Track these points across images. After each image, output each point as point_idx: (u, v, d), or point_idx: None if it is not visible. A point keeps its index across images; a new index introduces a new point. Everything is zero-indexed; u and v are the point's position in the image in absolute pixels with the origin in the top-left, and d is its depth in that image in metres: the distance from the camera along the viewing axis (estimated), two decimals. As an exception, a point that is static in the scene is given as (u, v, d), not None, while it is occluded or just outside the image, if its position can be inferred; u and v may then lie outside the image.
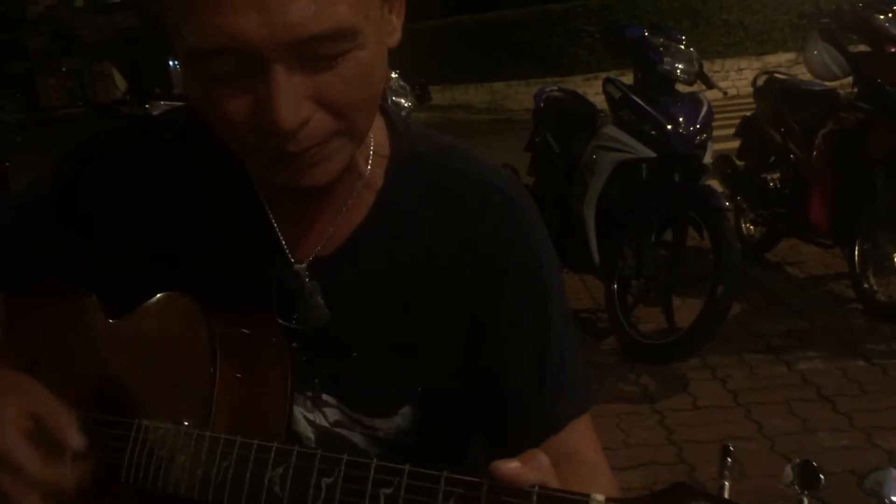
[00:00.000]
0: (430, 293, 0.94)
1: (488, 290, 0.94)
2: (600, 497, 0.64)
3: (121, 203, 0.99)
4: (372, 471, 0.73)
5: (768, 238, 4.90)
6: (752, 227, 5.00)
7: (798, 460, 0.60)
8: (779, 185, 4.67)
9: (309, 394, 0.96)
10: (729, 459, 0.64)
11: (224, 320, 0.92)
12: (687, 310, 3.75)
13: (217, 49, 0.73)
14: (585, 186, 3.87)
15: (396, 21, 0.86)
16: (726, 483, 0.63)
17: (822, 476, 0.59)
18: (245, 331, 0.93)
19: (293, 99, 0.75)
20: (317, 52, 0.74)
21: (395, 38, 0.86)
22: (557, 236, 3.96)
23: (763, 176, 4.76)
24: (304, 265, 0.94)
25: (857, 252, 3.87)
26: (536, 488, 0.66)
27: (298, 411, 0.96)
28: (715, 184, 3.67)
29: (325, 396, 0.96)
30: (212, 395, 0.87)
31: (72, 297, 1.06)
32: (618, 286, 3.82)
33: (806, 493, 0.59)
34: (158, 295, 0.96)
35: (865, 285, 3.85)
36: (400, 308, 0.94)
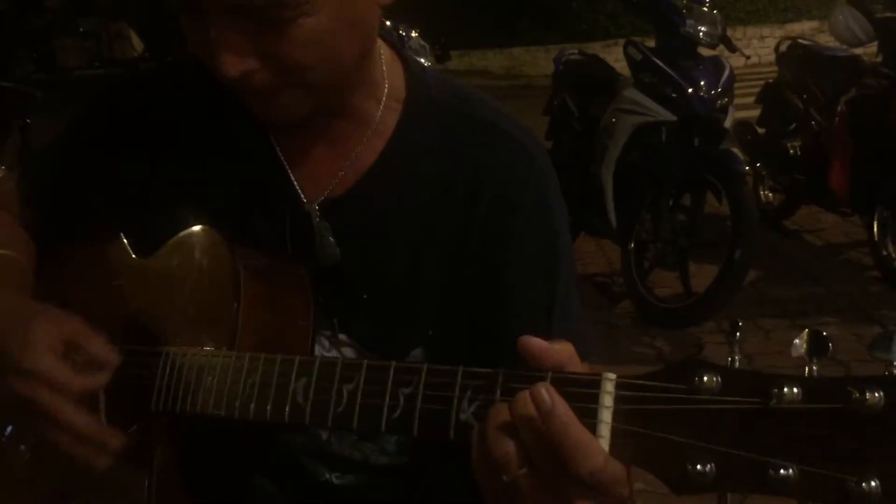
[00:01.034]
0: (439, 237, 0.96)
1: (498, 234, 0.95)
2: (612, 375, 0.65)
3: (143, 145, 1.02)
4: (391, 372, 0.74)
5: (787, 205, 4.87)
6: (771, 194, 4.97)
7: (807, 329, 0.61)
8: (799, 152, 4.64)
9: (327, 333, 0.98)
10: (737, 334, 0.64)
11: (247, 254, 0.94)
12: (703, 275, 3.76)
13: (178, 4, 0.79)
14: (604, 150, 3.86)
15: None
16: (736, 357, 0.63)
17: (830, 344, 0.60)
18: (269, 266, 0.95)
19: (231, 52, 0.80)
20: (258, 14, 0.78)
21: None
22: (575, 200, 3.95)
23: (783, 143, 4.72)
24: (315, 205, 0.96)
25: (876, 220, 3.85)
26: (549, 372, 0.67)
27: (318, 349, 0.98)
28: (735, 149, 3.65)
29: (341, 336, 0.99)
30: (236, 323, 0.89)
31: (99, 238, 1.08)
32: (634, 250, 3.82)
33: (815, 360, 0.60)
34: (184, 231, 0.98)
35: (884, 253, 3.84)
36: (409, 251, 0.96)
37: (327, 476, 1.03)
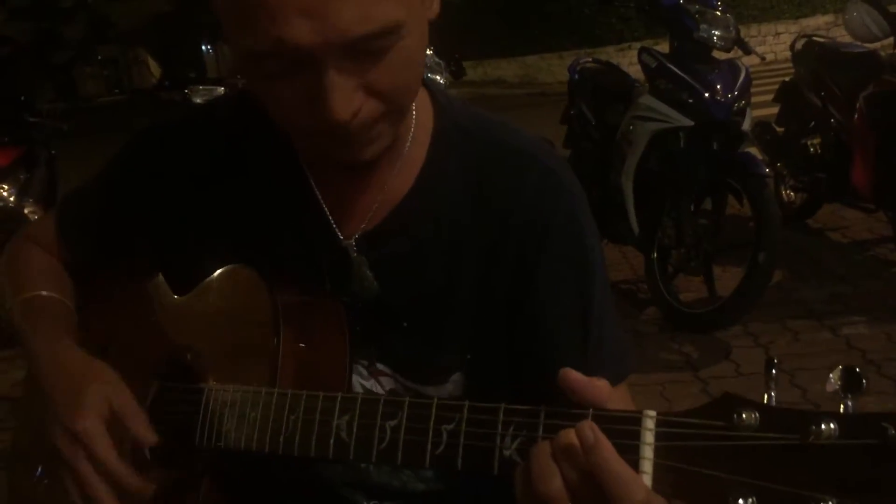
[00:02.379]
0: (474, 263, 0.97)
1: (531, 258, 0.97)
2: (652, 413, 0.67)
3: (182, 184, 1.04)
4: (434, 409, 0.76)
5: (810, 204, 4.84)
6: (792, 193, 4.94)
7: (840, 367, 0.63)
8: (819, 150, 4.61)
9: (364, 363, 1.00)
10: (773, 371, 0.66)
11: (284, 291, 0.96)
12: (728, 278, 3.74)
13: (271, 52, 0.77)
14: (623, 157, 3.86)
15: None
16: (772, 393, 0.65)
17: (864, 380, 0.62)
18: (304, 300, 0.98)
19: (345, 94, 0.80)
20: (366, 49, 0.79)
21: (434, 9, 0.89)
22: (596, 208, 3.88)
23: (803, 141, 4.70)
24: (351, 240, 0.98)
25: (900, 215, 3.82)
26: (591, 410, 0.69)
27: (356, 380, 1.00)
28: (754, 151, 3.64)
29: (379, 366, 1.00)
30: (276, 361, 0.91)
31: (139, 277, 1.11)
32: (658, 256, 3.81)
33: (850, 396, 0.62)
34: (221, 269, 1.01)
35: (910, 248, 3.80)
36: (446, 278, 0.98)
37: (366, 503, 1.05)
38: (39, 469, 1.13)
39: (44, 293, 1.09)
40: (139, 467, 0.94)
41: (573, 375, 0.71)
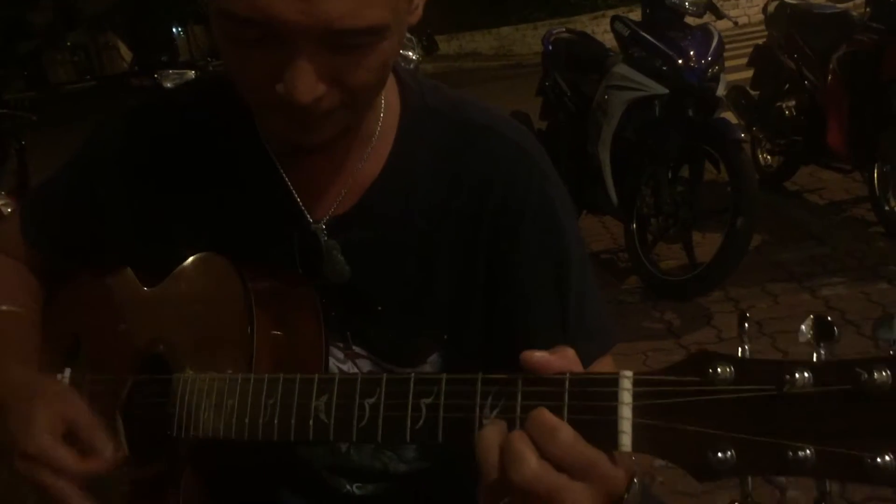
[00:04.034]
0: (447, 245, 0.97)
1: (506, 237, 0.96)
2: (629, 373, 0.67)
3: (146, 173, 1.03)
4: (412, 384, 0.76)
5: (786, 167, 4.87)
6: (769, 156, 4.97)
7: (811, 315, 0.63)
8: (794, 113, 4.63)
9: (340, 345, 1.00)
10: (746, 325, 0.66)
11: (255, 277, 0.95)
12: (707, 244, 3.76)
13: (252, 19, 0.76)
14: (599, 127, 3.85)
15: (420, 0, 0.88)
16: (746, 346, 0.65)
17: (836, 329, 0.62)
18: (277, 285, 0.97)
19: (312, 79, 0.79)
20: (346, 43, 0.78)
21: (416, 15, 0.88)
22: (574, 179, 3.96)
23: (778, 104, 4.71)
24: (321, 224, 0.97)
25: (876, 175, 3.84)
26: (568, 374, 0.69)
27: (333, 363, 1.00)
28: (729, 116, 3.63)
29: (355, 348, 1.00)
30: (251, 346, 0.91)
31: (108, 269, 1.10)
32: (637, 225, 3.83)
33: (822, 344, 0.62)
34: (191, 257, 0.99)
35: (886, 208, 3.83)
36: (418, 261, 0.97)
37: (348, 488, 1.05)
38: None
39: (2, 308, 1.07)
40: (118, 463, 0.93)
41: (534, 357, 0.71)
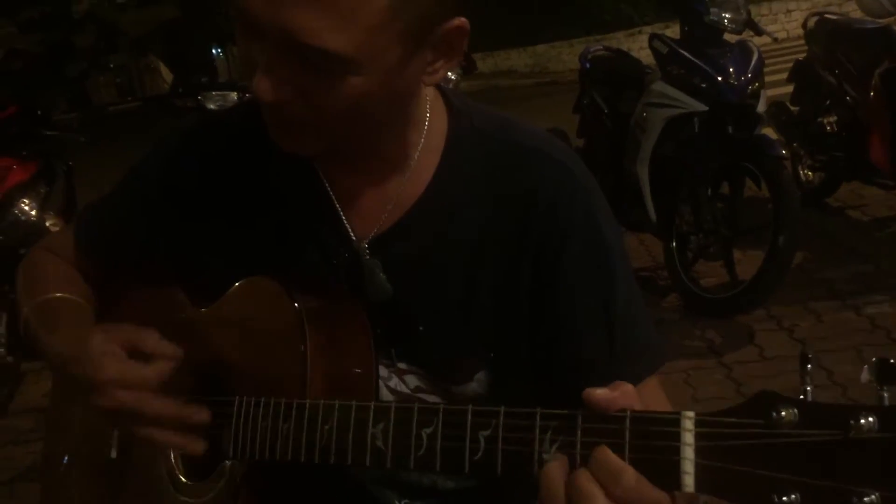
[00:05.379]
0: (491, 265, 0.98)
1: (550, 257, 0.97)
2: (691, 413, 0.67)
3: (198, 193, 1.06)
4: (469, 416, 0.77)
5: (828, 183, 4.80)
6: (810, 173, 4.90)
7: (874, 359, 0.63)
8: (836, 129, 4.57)
9: (386, 361, 1.01)
10: (808, 366, 0.66)
11: (305, 296, 0.97)
12: (748, 261, 3.73)
13: (235, 12, 0.83)
14: (637, 145, 3.85)
15: (443, 64, 0.90)
16: (808, 388, 0.65)
17: None
18: (325, 303, 0.98)
19: (272, 81, 0.83)
20: (311, 58, 0.81)
21: (435, 78, 0.91)
22: (612, 197, 3.92)
23: (819, 120, 4.66)
24: (364, 242, 0.99)
25: (921, 190, 3.78)
26: (628, 412, 0.70)
27: (380, 379, 1.01)
28: (770, 132, 3.61)
29: (400, 365, 1.01)
30: (305, 366, 0.92)
31: (158, 288, 1.13)
32: (676, 243, 3.80)
33: (885, 387, 0.62)
34: (241, 281, 1.02)
35: (932, 224, 3.77)
36: (462, 281, 0.98)
37: (397, 502, 1.06)
38: (66, 458, 1.16)
39: (56, 295, 1.11)
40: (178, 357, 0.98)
41: (596, 395, 0.72)
